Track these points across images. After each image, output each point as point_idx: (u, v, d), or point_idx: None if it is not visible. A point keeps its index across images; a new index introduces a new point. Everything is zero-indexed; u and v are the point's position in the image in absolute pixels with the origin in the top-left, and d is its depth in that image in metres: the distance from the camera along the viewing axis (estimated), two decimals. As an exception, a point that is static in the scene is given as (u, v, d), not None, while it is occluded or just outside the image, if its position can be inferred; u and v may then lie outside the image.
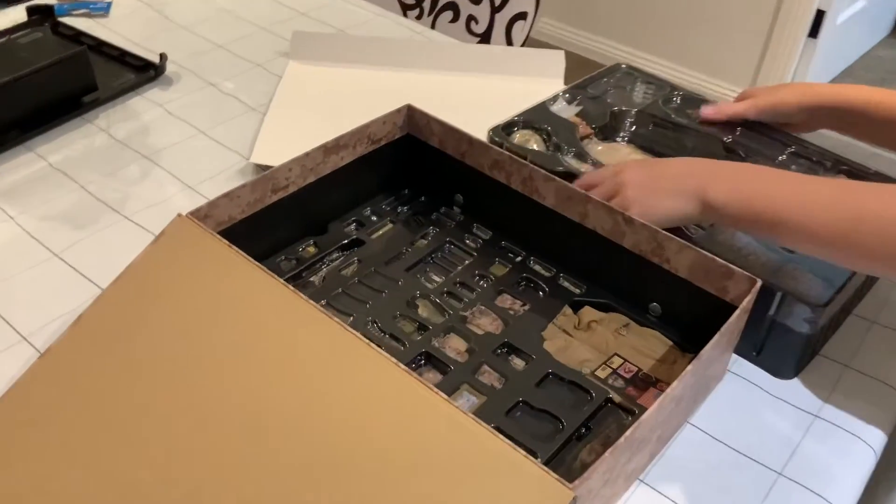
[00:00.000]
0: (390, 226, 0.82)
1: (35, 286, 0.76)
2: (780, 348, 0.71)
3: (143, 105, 1.02)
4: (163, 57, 1.06)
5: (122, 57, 1.08)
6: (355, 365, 0.57)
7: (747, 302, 0.64)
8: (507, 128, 0.87)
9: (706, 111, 0.90)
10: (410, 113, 0.82)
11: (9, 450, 0.56)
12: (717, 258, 0.66)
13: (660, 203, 0.69)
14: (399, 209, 0.84)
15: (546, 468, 0.50)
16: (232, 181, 0.89)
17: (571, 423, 0.64)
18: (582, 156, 0.85)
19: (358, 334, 0.57)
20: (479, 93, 1.08)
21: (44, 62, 0.93)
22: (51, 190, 0.87)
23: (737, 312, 0.63)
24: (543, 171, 0.75)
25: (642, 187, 0.71)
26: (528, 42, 1.41)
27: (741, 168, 0.70)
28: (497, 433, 0.52)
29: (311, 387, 0.56)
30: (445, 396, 0.54)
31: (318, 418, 0.54)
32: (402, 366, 0.55)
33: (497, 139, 0.85)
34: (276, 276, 0.61)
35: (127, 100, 1.02)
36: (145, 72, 1.05)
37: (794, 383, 0.72)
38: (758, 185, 0.66)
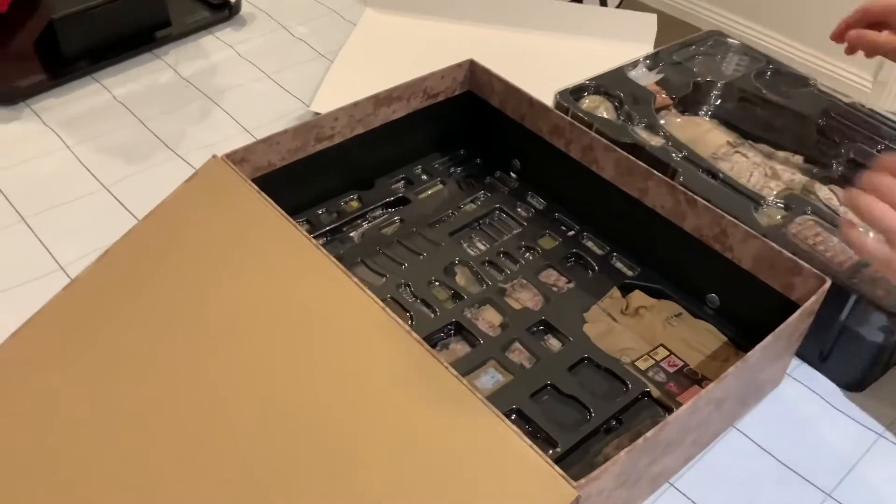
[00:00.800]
0: (440, 186, 0.78)
1: (80, 217, 0.76)
2: (848, 357, 0.64)
3: (214, 45, 1.00)
4: (239, -4, 1.05)
5: (199, -6, 1.07)
6: (369, 331, 0.54)
7: (812, 303, 0.58)
8: (577, 92, 0.81)
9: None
10: (472, 68, 0.78)
11: (23, 379, 0.56)
12: (785, 251, 0.60)
13: None
14: (452, 170, 0.80)
15: (551, 462, 0.46)
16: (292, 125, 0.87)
17: (600, 415, 0.59)
18: (654, 128, 0.78)
19: (377, 300, 0.54)
20: (561, 54, 1.02)
21: (118, -6, 0.93)
22: (110, 122, 0.87)
23: (797, 313, 0.56)
24: (604, 141, 0.69)
25: None
26: (623, 4, 1.33)
27: None
28: (506, 420, 0.48)
29: (318, 350, 0.53)
30: (457, 374, 0.50)
31: (319, 383, 0.52)
32: (417, 337, 0.52)
33: (564, 103, 0.79)
34: (301, 230, 0.58)
35: (199, 38, 1.01)
36: (220, 10, 1.04)
37: (861, 397, 0.65)
38: None
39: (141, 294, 0.58)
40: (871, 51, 0.74)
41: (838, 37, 0.76)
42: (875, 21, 0.73)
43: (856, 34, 0.73)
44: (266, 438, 0.50)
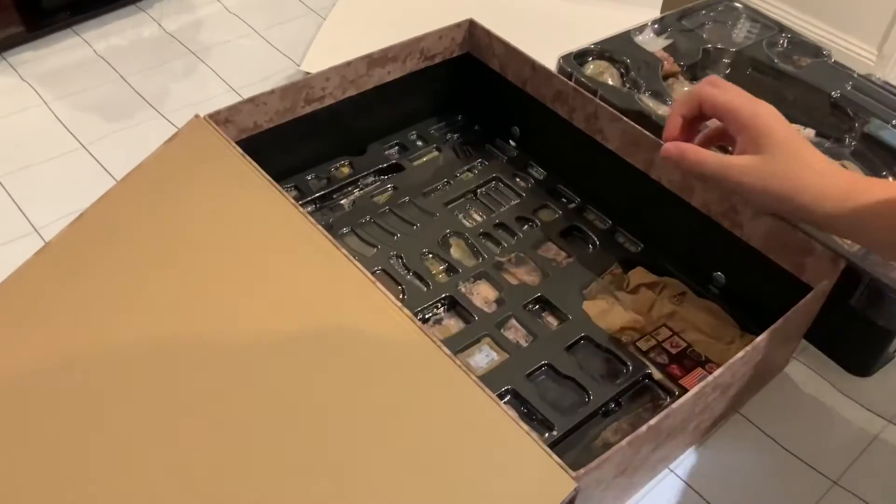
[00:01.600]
0: (436, 153, 0.75)
1: (56, 177, 0.72)
2: (858, 341, 0.62)
3: (201, -2, 0.96)
4: (229, -52, 1.00)
5: (188, -55, 1.02)
6: (358, 306, 0.50)
7: (825, 284, 0.55)
8: (580, 56, 0.77)
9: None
10: (472, 29, 0.74)
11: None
12: (799, 229, 0.57)
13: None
14: (448, 136, 0.76)
15: (549, 451, 0.43)
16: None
17: (599, 397, 0.56)
18: (661, 96, 0.75)
19: (366, 272, 0.51)
20: (564, 15, 0.98)
21: (100, -58, 0.88)
22: (90, 78, 0.83)
23: (810, 295, 0.54)
24: (611, 109, 0.65)
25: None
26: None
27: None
28: (501, 403, 0.45)
29: (303, 325, 0.50)
30: (450, 353, 0.47)
31: (302, 361, 0.49)
32: (408, 313, 0.49)
33: (567, 69, 0.75)
34: (288, 197, 0.55)
35: (185, -9, 0.96)
36: (208, -37, 0.99)
37: (870, 382, 0.62)
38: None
39: (116, 261, 0.55)
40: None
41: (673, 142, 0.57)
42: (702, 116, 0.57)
43: (678, 153, 0.56)
44: (247, 416, 0.47)
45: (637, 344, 0.60)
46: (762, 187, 0.53)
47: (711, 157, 0.55)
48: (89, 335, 0.52)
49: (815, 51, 0.83)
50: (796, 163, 0.52)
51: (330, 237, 0.53)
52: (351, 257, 0.51)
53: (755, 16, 0.88)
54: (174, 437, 0.46)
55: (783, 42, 0.84)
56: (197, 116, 0.60)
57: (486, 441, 0.45)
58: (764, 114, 0.54)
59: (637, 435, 0.44)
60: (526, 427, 0.44)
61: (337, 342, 0.49)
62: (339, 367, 0.48)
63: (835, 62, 0.81)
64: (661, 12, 0.98)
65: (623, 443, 0.44)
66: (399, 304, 0.49)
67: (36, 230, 0.67)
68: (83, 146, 0.75)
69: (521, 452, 0.44)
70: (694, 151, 0.55)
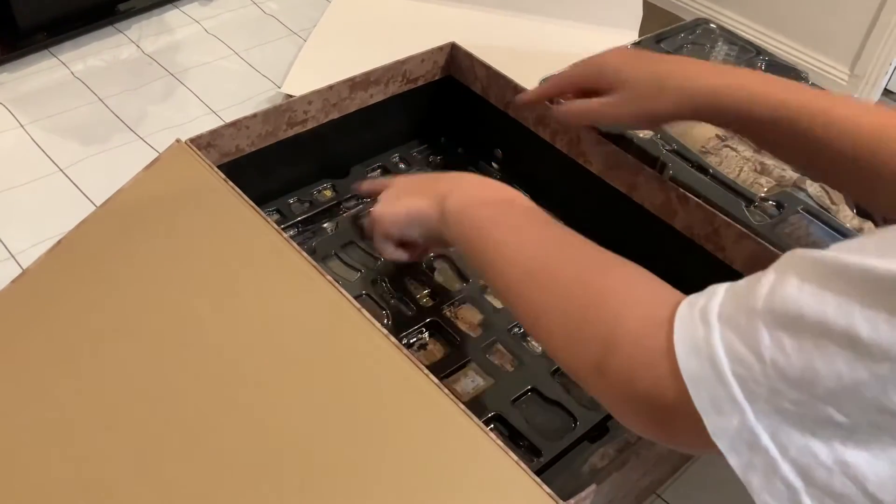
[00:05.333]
0: (418, 176, 0.74)
1: (34, 201, 0.71)
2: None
3: (180, 19, 0.95)
4: (208, -31, 1.00)
5: (166, -35, 1.02)
6: (341, 332, 0.50)
7: (808, 308, 0.55)
8: (562, 79, 0.77)
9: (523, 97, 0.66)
10: (454, 52, 0.74)
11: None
12: (781, 254, 0.57)
13: (406, 199, 0.55)
14: (431, 158, 0.76)
15: (538, 479, 0.43)
16: (259, 110, 0.82)
17: (586, 422, 0.56)
18: (642, 119, 0.75)
19: (350, 298, 0.50)
20: (544, 38, 0.98)
21: (78, -37, 0.87)
22: (68, 100, 0.82)
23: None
24: (593, 133, 0.66)
25: (403, 188, 0.57)
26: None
27: (497, 188, 0.54)
28: (488, 431, 0.45)
29: (285, 351, 0.49)
30: (435, 379, 0.47)
31: (285, 388, 0.48)
32: (394, 340, 0.48)
33: (549, 91, 0.76)
34: (270, 222, 0.54)
35: (164, 12, 0.96)
36: (187, -16, 0.99)
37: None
38: (491, 213, 0.50)
39: (95, 290, 0.54)
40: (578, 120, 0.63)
41: (531, 103, 0.65)
42: (581, 89, 0.61)
43: (564, 109, 0.61)
44: (228, 446, 0.46)
45: (622, 367, 0.60)
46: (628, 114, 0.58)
47: (586, 104, 0.60)
48: (67, 365, 0.51)
49: (793, 73, 0.84)
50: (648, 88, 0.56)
51: (313, 262, 0.52)
52: (335, 283, 0.51)
53: (732, 38, 0.89)
54: (153, 467, 0.45)
55: (761, 64, 0.85)
56: (178, 141, 0.59)
57: (474, 469, 0.44)
58: (609, 60, 0.59)
59: (626, 464, 0.44)
60: (514, 456, 0.43)
61: (321, 369, 0.49)
62: (322, 395, 0.48)
63: (812, 84, 0.82)
64: (640, 35, 0.99)
65: (613, 472, 0.44)
66: (384, 330, 0.49)
67: (13, 256, 0.66)
68: (61, 170, 0.74)
69: (510, 481, 0.43)
70: (574, 104, 0.61)
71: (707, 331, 0.33)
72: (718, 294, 0.35)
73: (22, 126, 0.78)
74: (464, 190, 0.53)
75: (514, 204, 0.51)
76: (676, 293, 0.38)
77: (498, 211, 0.50)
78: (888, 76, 2.23)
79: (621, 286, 0.41)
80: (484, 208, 0.50)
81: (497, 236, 0.47)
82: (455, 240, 0.51)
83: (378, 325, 0.49)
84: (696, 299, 0.36)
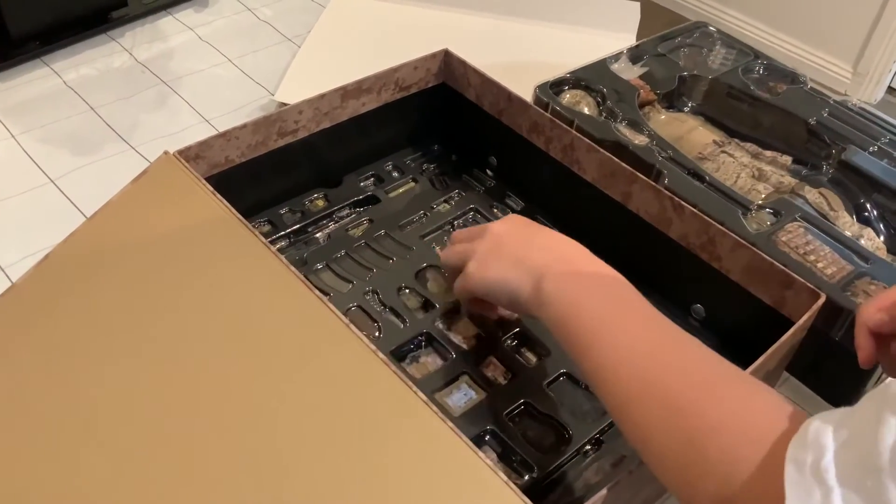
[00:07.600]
0: (412, 184, 0.74)
1: (24, 213, 0.70)
2: (841, 374, 0.61)
3: (173, 27, 0.95)
4: (202, -25, 0.99)
5: (159, -28, 1.01)
6: (328, 348, 0.49)
7: (805, 320, 0.54)
8: (557, 86, 0.77)
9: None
10: (447, 59, 0.73)
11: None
12: (777, 263, 0.56)
13: (500, 265, 0.54)
14: (425, 166, 0.76)
15: (526, 498, 0.42)
16: (252, 118, 0.82)
17: (580, 436, 0.55)
18: (638, 125, 0.75)
19: (338, 313, 0.50)
20: (540, 43, 0.98)
21: (70, -29, 0.87)
22: (59, 109, 0.81)
23: (791, 331, 0.53)
24: (587, 140, 0.65)
25: (498, 245, 0.55)
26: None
27: (596, 270, 0.53)
28: (478, 451, 0.44)
29: (272, 368, 0.49)
30: (425, 397, 0.46)
31: (272, 404, 0.47)
32: (382, 356, 0.48)
33: (543, 98, 0.75)
34: (258, 235, 0.54)
35: (157, 19, 0.95)
36: (181, -10, 0.98)
37: (852, 415, 0.62)
38: (595, 306, 0.49)
39: (83, 304, 0.53)
40: None
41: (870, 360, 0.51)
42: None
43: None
44: (215, 463, 0.45)
45: (617, 380, 0.59)
46: None
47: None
48: (56, 380, 0.50)
49: (792, 77, 0.83)
50: None
51: (301, 277, 0.51)
52: (323, 298, 0.50)
53: (731, 42, 0.88)
54: (141, 482, 0.45)
55: (759, 68, 0.84)
56: (166, 153, 0.59)
57: (463, 490, 0.44)
58: None
59: (619, 481, 0.43)
60: (503, 476, 0.43)
61: (308, 386, 0.48)
62: (309, 413, 0.47)
63: (811, 88, 0.82)
64: (637, 38, 0.98)
65: (604, 490, 0.43)
66: (372, 345, 0.48)
67: (2, 268, 0.65)
68: (51, 181, 0.73)
69: (496, 499, 0.42)
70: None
71: (825, 494, 0.31)
72: (828, 447, 0.32)
73: (13, 136, 0.78)
74: (560, 268, 0.52)
75: (616, 293, 0.51)
76: (788, 413, 0.38)
77: (601, 304, 0.49)
78: (892, 74, 2.21)
79: (736, 410, 0.41)
80: (585, 297, 0.50)
81: (607, 340, 0.47)
82: (548, 322, 0.51)
83: (366, 339, 0.48)
84: (802, 455, 0.33)
